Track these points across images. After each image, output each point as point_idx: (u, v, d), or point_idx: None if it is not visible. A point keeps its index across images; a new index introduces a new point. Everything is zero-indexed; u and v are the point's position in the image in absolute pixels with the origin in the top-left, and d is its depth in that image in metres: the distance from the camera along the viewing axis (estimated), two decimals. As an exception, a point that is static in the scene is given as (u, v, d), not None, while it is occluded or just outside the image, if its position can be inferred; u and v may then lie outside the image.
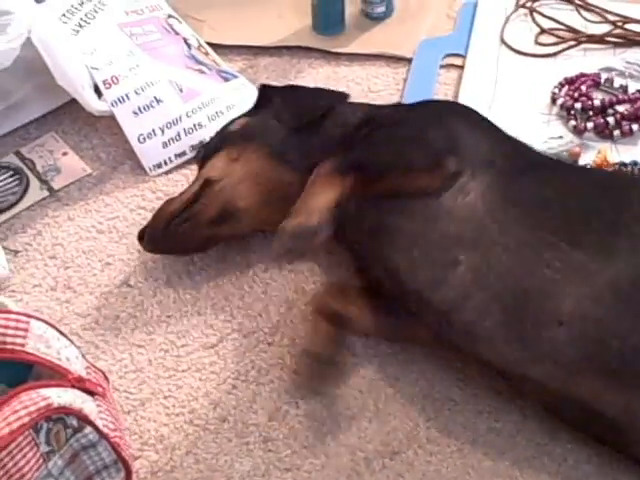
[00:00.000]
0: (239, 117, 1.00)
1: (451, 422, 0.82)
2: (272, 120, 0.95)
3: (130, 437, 0.82)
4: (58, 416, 0.68)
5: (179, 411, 0.85)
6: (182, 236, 0.93)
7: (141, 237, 0.95)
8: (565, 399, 0.74)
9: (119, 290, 0.96)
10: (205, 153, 0.97)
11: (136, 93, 1.05)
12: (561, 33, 1.23)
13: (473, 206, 0.80)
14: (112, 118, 1.07)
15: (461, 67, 1.20)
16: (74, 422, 0.69)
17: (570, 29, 1.23)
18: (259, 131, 0.95)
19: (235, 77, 1.17)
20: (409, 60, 1.22)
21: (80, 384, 0.73)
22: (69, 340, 0.77)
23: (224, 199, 0.92)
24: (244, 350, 0.89)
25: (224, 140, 0.97)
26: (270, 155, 0.92)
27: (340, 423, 0.83)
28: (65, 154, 1.11)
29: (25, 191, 1.06)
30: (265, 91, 1.00)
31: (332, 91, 1.01)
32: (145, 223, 1.02)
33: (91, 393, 0.74)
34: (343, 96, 0.98)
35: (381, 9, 1.28)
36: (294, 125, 0.93)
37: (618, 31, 1.21)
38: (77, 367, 0.75)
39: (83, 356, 0.78)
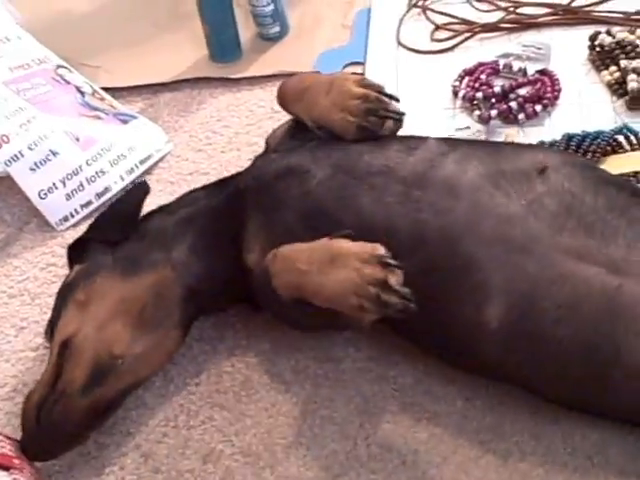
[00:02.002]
0: (68, 275, 0.86)
1: (391, 435, 0.79)
2: (104, 251, 0.83)
3: (58, 506, 0.78)
4: (-34, 499, 0.64)
5: (109, 470, 0.80)
6: (60, 423, 0.74)
7: (24, 450, 0.76)
8: (546, 282, 0.67)
9: (36, 354, 0.92)
10: (52, 324, 0.82)
11: (30, 149, 1.02)
12: (456, 27, 1.22)
13: None
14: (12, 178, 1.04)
15: (362, 75, 1.19)
16: (-15, 503, 0.65)
17: (464, 21, 1.22)
18: (97, 264, 0.82)
19: (134, 118, 1.14)
20: (310, 75, 1.20)
21: (-10, 460, 0.69)
22: (-25, 416, 0.74)
23: (92, 352, 0.76)
24: (171, 394, 0.86)
25: (64, 294, 0.82)
26: (123, 272, 0.80)
27: (277, 454, 0.79)
28: (-32, 224, 1.07)
29: None
30: (75, 248, 0.88)
31: (130, 191, 0.93)
32: (56, 280, 0.99)
33: (6, 468, 0.71)
34: (141, 186, 0.91)
35: (275, 29, 1.27)
36: (122, 236, 0.84)
37: (511, 16, 1.21)
38: (-14, 443, 0.72)
39: (-5, 430, 0.75)
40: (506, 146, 0.77)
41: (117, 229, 0.84)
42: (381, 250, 0.67)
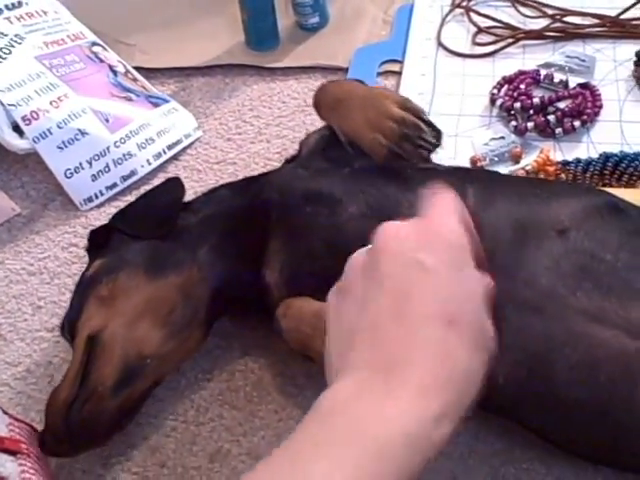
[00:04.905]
0: (87, 268, 0.83)
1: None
2: (128, 246, 0.81)
3: (63, 493, 0.78)
4: (-29, 484, 0.64)
5: (116, 460, 0.80)
6: (90, 423, 0.73)
7: (43, 443, 0.74)
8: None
9: (51, 334, 0.92)
10: (70, 319, 0.79)
11: (59, 127, 1.01)
12: (499, 31, 1.19)
13: None
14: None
15: (399, 73, 1.16)
16: (-11, 488, 0.65)
17: (508, 26, 1.19)
18: (121, 260, 0.79)
19: (166, 102, 1.13)
20: (346, 70, 1.18)
21: (-2, 445, 0.69)
22: (-14, 398, 0.74)
23: (121, 351, 0.74)
24: (182, 388, 0.85)
25: (84, 288, 0.79)
26: (148, 271, 0.77)
27: (284, 459, 0.79)
28: (-7, 195, 1.07)
29: (-48, 237, 1.02)
30: (97, 235, 0.86)
31: (165, 185, 0.90)
32: (76, 261, 0.99)
33: (13, 452, 0.70)
34: (178, 184, 0.87)
35: (314, 19, 1.25)
36: (154, 235, 0.81)
37: (557, 25, 1.18)
38: (-4, 426, 0.72)
39: (5, 412, 0.75)
40: (532, 195, 0.72)
41: (152, 227, 0.82)
42: None
